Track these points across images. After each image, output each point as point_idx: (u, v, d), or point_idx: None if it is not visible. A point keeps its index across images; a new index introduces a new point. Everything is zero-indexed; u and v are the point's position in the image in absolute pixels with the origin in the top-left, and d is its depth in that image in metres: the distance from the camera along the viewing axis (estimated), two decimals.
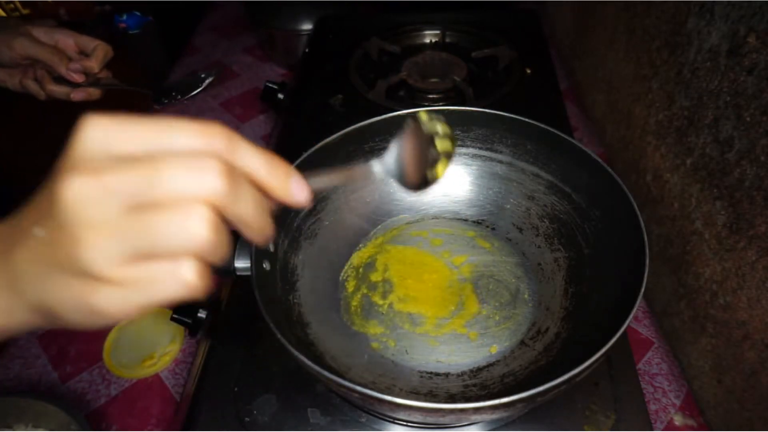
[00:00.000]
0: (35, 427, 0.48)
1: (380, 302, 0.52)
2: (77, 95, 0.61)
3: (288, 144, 0.73)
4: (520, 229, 0.56)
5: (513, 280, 0.53)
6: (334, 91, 0.80)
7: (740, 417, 0.47)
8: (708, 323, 0.50)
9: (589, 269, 0.49)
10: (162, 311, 0.63)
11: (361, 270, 0.54)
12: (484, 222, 0.58)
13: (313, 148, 0.50)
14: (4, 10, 0.79)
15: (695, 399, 0.53)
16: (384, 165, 0.31)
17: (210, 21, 1.24)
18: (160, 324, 0.62)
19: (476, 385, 0.45)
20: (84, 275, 0.21)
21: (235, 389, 0.48)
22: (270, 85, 0.83)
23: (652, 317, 0.60)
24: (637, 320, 0.60)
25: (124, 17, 0.81)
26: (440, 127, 0.33)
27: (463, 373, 0.46)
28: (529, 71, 0.81)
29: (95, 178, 0.21)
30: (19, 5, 0.80)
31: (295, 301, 0.48)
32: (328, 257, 0.54)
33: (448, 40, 0.90)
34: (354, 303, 0.52)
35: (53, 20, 0.74)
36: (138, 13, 0.81)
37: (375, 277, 0.54)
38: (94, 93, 0.62)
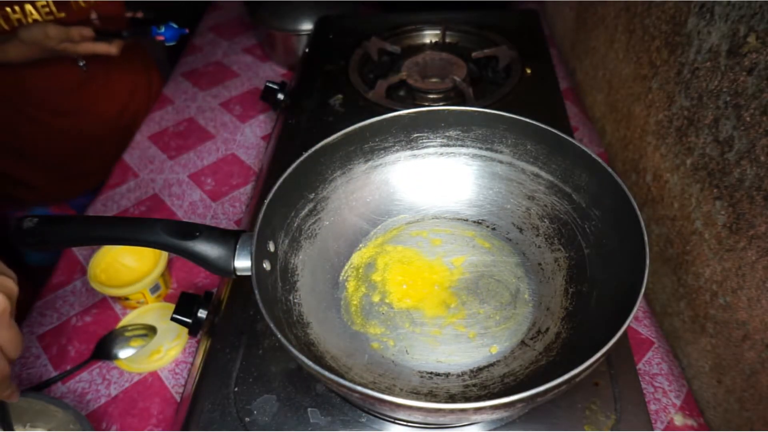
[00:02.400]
0: (35, 427, 0.48)
1: (380, 302, 0.52)
2: (113, 48, 0.81)
3: (288, 144, 0.73)
4: (520, 229, 0.56)
5: (513, 280, 0.53)
6: (334, 91, 0.80)
7: (740, 417, 0.47)
8: (708, 323, 0.50)
9: (589, 269, 0.49)
10: (167, 306, 0.63)
11: (361, 270, 0.54)
12: (484, 222, 0.58)
13: (313, 148, 0.50)
14: (40, 14, 0.82)
15: (695, 399, 0.53)
16: None
17: (210, 21, 1.24)
18: (166, 319, 0.61)
19: (476, 385, 0.45)
20: None
21: (235, 389, 0.48)
22: (270, 85, 0.84)
23: (652, 317, 0.61)
24: (637, 320, 0.60)
25: (162, 29, 0.82)
26: None
27: (463, 373, 0.46)
28: (529, 71, 0.81)
29: None
30: (53, 8, 0.83)
31: (295, 301, 0.48)
32: (328, 257, 0.54)
33: (448, 40, 0.90)
34: (354, 303, 0.52)
35: (89, 29, 0.78)
36: (174, 25, 0.82)
37: (375, 277, 0.54)
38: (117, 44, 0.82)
